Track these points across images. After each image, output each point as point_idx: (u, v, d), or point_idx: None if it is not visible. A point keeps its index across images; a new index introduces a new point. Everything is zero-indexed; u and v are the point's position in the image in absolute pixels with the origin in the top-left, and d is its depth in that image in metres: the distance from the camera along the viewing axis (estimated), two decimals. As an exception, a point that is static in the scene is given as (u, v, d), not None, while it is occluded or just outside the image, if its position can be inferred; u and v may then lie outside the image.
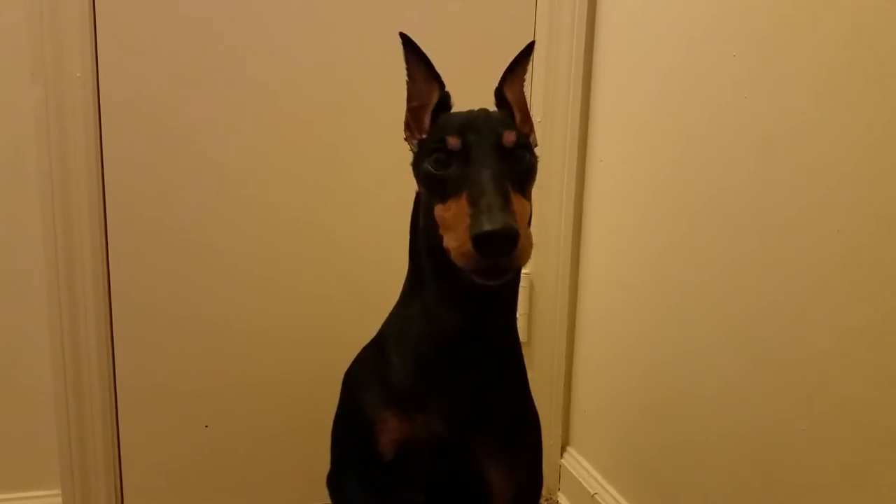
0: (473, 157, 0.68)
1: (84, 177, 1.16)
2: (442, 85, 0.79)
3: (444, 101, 0.79)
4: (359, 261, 1.33)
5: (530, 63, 0.83)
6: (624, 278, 1.22)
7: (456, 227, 0.65)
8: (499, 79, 0.80)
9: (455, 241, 0.64)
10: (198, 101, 1.21)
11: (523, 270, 1.41)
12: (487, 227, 0.59)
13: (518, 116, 0.80)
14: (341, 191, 1.31)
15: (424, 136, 0.78)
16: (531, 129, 0.82)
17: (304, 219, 1.30)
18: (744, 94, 0.90)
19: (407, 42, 0.77)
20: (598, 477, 1.31)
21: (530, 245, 0.65)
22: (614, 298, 1.26)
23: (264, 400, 1.34)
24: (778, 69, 0.84)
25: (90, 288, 1.20)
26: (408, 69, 0.78)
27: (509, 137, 0.70)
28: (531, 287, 1.41)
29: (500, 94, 0.80)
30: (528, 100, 0.84)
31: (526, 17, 1.35)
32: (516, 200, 0.66)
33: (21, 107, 1.13)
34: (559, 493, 1.43)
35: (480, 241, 0.59)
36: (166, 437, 1.30)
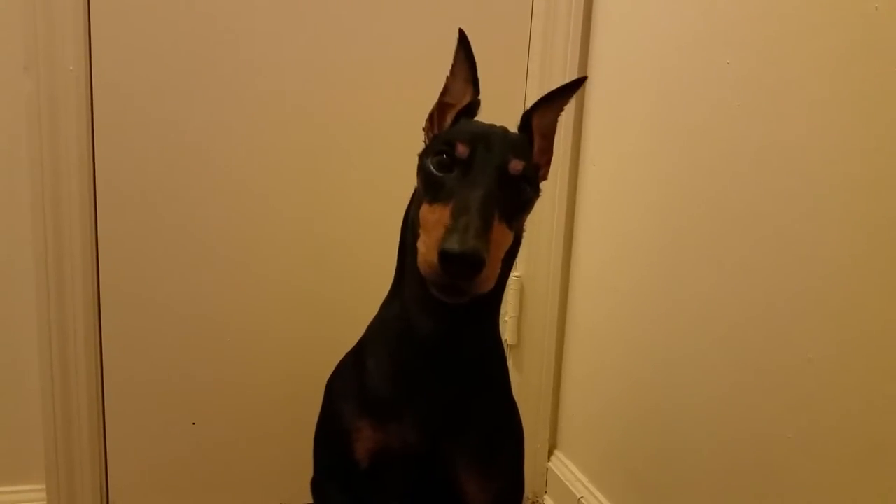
0: (474, 171, 0.68)
1: (76, 170, 1.15)
2: (477, 91, 0.79)
3: (473, 107, 0.79)
4: (351, 259, 1.33)
5: (572, 99, 0.82)
6: (615, 283, 1.22)
7: (430, 232, 0.65)
8: (525, 104, 0.81)
9: (424, 246, 0.65)
10: (191, 96, 1.21)
11: (514, 273, 1.41)
12: (456, 246, 0.59)
13: (538, 145, 0.79)
14: (334, 186, 1.30)
15: (440, 132, 0.78)
16: (546, 162, 0.82)
17: (297, 216, 1.30)
18: (737, 101, 0.90)
19: (462, 39, 0.77)
20: (585, 480, 1.31)
21: (495, 275, 0.64)
22: (605, 303, 1.26)
23: (252, 398, 1.33)
24: (771, 77, 0.84)
25: (79, 283, 1.19)
26: (454, 65, 0.79)
27: (516, 166, 0.70)
28: (521, 290, 1.41)
29: (526, 118, 0.78)
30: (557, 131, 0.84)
31: (521, 21, 1.35)
32: (498, 229, 0.66)
33: (13, 100, 1.12)
34: (546, 497, 1.43)
35: (445, 257, 0.59)
36: (153, 433, 1.29)
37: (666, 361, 1.06)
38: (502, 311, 1.02)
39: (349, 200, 1.31)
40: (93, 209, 1.19)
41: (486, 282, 0.62)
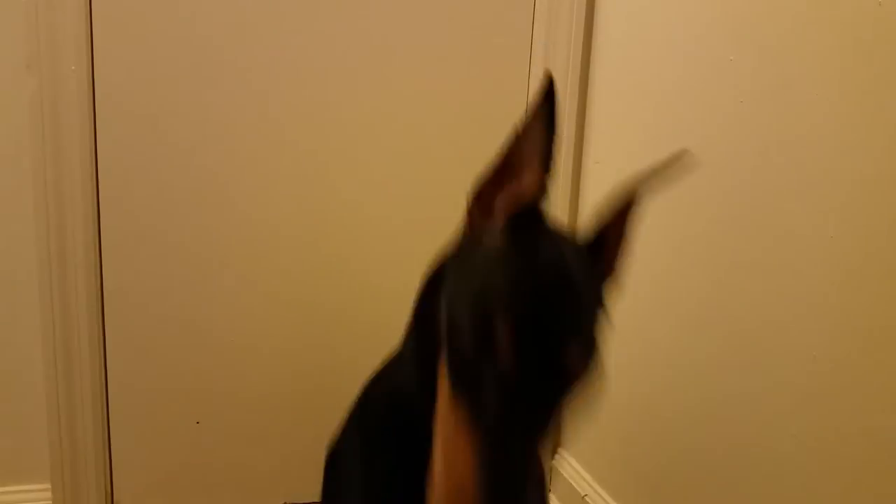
0: (526, 386, 0.45)
1: (78, 170, 1.15)
2: (548, 171, 0.52)
3: (536, 207, 0.53)
4: (354, 261, 1.32)
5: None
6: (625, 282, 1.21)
7: (450, 469, 0.45)
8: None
9: (443, 486, 0.44)
10: (193, 96, 1.21)
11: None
12: None
13: (612, 252, 0.59)
14: (340, 190, 1.30)
15: (485, 237, 0.53)
16: (619, 259, 0.61)
17: (299, 218, 1.29)
18: (741, 98, 0.90)
19: (549, 92, 0.52)
20: (590, 479, 1.31)
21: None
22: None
23: (256, 397, 1.33)
24: (776, 74, 0.84)
25: (82, 282, 1.19)
26: (527, 124, 0.53)
27: (578, 368, 0.47)
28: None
29: (600, 239, 0.58)
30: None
31: (524, 21, 1.35)
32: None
33: (16, 99, 1.12)
34: (550, 495, 1.43)
35: None
36: (157, 432, 1.29)
37: (670, 359, 1.06)
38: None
39: (353, 205, 1.31)
40: (96, 207, 1.19)
41: None
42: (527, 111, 0.52)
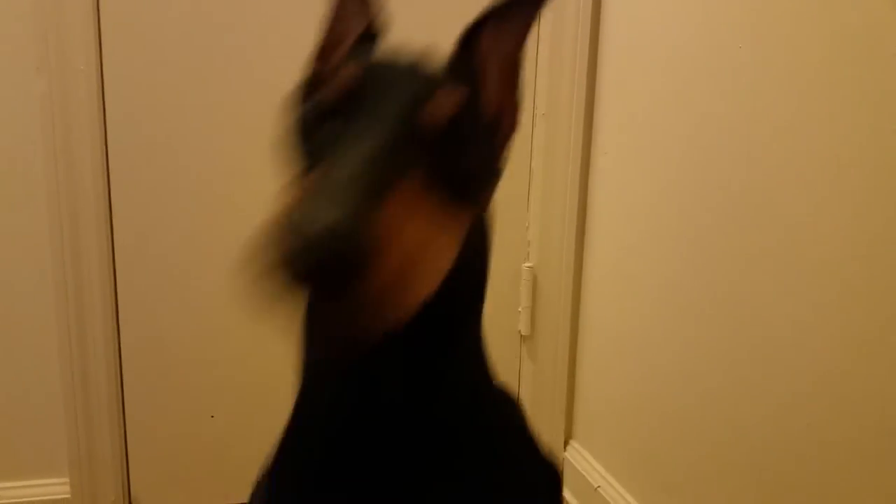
0: (367, 112, 0.39)
1: (89, 169, 1.17)
2: (380, 11, 0.50)
3: (372, 34, 0.49)
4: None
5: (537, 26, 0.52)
6: (628, 271, 1.21)
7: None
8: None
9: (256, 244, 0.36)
10: (201, 95, 1.22)
11: (526, 264, 1.40)
12: (297, 219, 0.32)
13: (493, 83, 0.47)
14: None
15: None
16: (511, 112, 0.49)
17: None
18: (750, 85, 0.89)
19: None
20: (602, 470, 1.30)
21: (414, 283, 0.36)
22: (618, 292, 1.25)
23: (270, 389, 1.34)
24: (784, 61, 0.83)
25: (96, 279, 1.21)
26: None
27: (445, 101, 0.40)
28: (534, 280, 1.40)
29: (468, 39, 0.47)
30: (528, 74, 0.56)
31: None
32: (417, 197, 0.37)
33: (26, 100, 1.14)
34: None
35: (281, 252, 0.32)
36: (172, 426, 1.31)
37: (681, 349, 1.06)
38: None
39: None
40: (107, 205, 1.20)
41: (389, 296, 0.33)
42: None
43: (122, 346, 1.26)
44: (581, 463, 1.36)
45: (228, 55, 1.22)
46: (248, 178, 1.26)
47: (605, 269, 1.30)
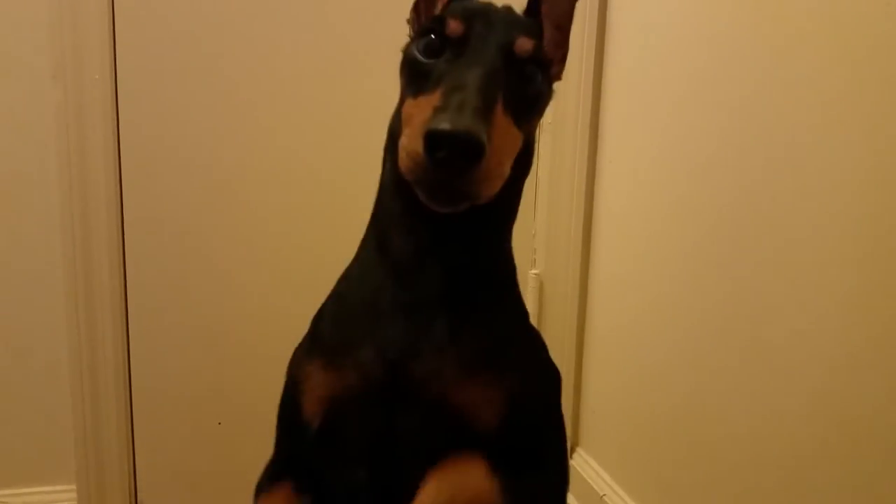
0: (471, 50, 0.55)
1: (102, 175, 1.18)
2: None
3: None
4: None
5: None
6: (633, 279, 1.22)
7: (414, 122, 0.52)
8: None
9: (406, 138, 0.51)
10: (214, 104, 1.24)
11: (532, 271, 1.42)
12: (444, 125, 0.46)
13: (550, 36, 0.64)
14: (363, 192, 1.32)
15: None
16: (561, 59, 0.68)
17: (321, 221, 1.31)
18: (756, 97, 0.90)
19: None
20: (607, 478, 1.30)
21: (500, 175, 0.52)
22: (624, 299, 1.26)
23: (277, 398, 1.35)
24: (791, 70, 0.84)
25: (107, 287, 1.22)
26: None
27: (524, 45, 0.56)
28: (541, 287, 1.41)
29: (534, 2, 0.63)
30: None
31: None
32: (503, 121, 0.52)
33: (42, 108, 1.16)
34: (568, 494, 1.42)
35: (432, 140, 0.46)
36: (180, 433, 1.31)
37: (687, 357, 1.06)
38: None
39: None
40: (119, 213, 1.22)
41: (489, 181, 0.50)
42: None
43: (130, 354, 1.27)
44: (587, 470, 1.36)
45: (241, 65, 1.24)
46: (263, 187, 1.28)
47: (611, 277, 1.31)
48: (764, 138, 0.88)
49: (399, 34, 0.65)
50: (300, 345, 0.71)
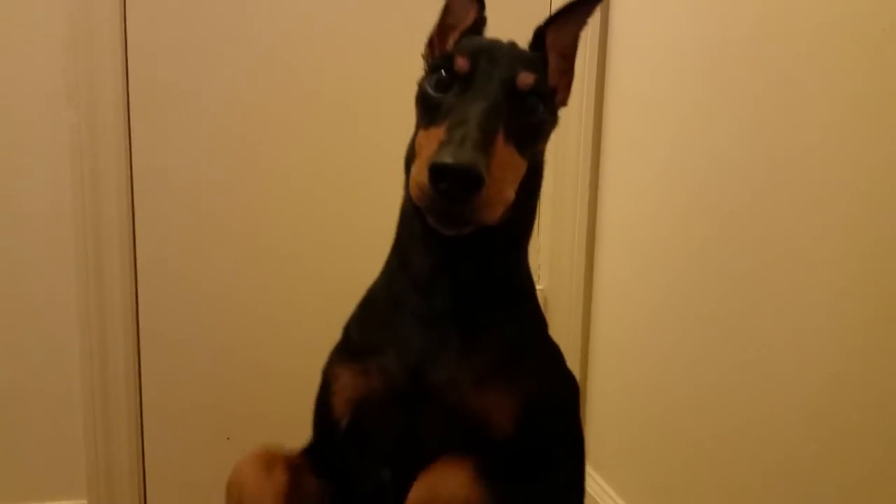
0: (476, 86, 0.60)
1: (115, 194, 1.21)
2: (482, 7, 0.70)
3: (478, 25, 0.69)
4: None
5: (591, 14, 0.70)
6: (638, 295, 1.22)
7: (422, 154, 0.57)
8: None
9: (416, 168, 0.56)
10: (224, 127, 1.26)
11: (537, 286, 1.42)
12: (447, 159, 0.51)
13: (555, 65, 0.68)
14: (372, 214, 1.33)
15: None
16: (566, 86, 0.71)
17: (333, 246, 1.34)
18: (756, 113, 0.91)
19: None
20: (613, 494, 1.30)
21: (501, 201, 0.56)
22: (628, 315, 1.27)
23: (286, 414, 1.36)
24: (790, 91, 0.85)
25: (118, 306, 1.24)
26: None
27: (525, 79, 0.61)
28: (545, 303, 1.42)
29: (539, 35, 0.68)
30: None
31: None
32: (504, 150, 0.57)
33: (58, 129, 1.18)
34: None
35: (436, 173, 0.51)
36: (189, 449, 1.33)
37: (692, 374, 1.06)
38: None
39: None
40: (131, 232, 1.24)
41: (489, 207, 0.54)
42: None
43: (141, 371, 1.29)
44: (593, 486, 1.36)
45: (256, 87, 1.26)
46: (274, 206, 1.30)
47: (615, 292, 1.32)
48: (763, 155, 0.89)
49: (409, 65, 0.68)
50: (334, 348, 0.75)
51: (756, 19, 0.91)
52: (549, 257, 1.42)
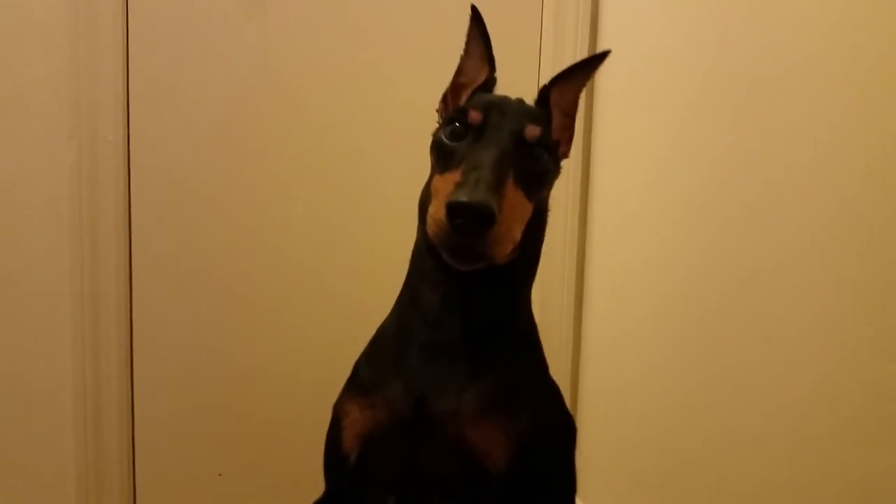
0: (487, 136, 0.66)
1: (112, 230, 1.22)
2: (493, 68, 0.77)
3: (489, 84, 0.76)
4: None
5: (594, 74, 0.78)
6: (628, 309, 1.23)
7: (439, 195, 0.63)
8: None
9: (433, 208, 0.62)
10: (223, 165, 1.29)
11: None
12: (463, 197, 0.57)
13: (558, 122, 0.75)
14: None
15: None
16: (568, 140, 0.78)
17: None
18: (741, 138, 0.94)
19: (476, 17, 0.75)
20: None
21: (510, 239, 0.62)
22: (619, 329, 1.27)
23: (277, 450, 1.36)
24: (774, 117, 0.88)
25: (113, 337, 1.24)
26: (467, 43, 0.77)
27: (532, 132, 0.67)
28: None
29: (544, 93, 0.75)
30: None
31: (531, 38, 1.40)
32: (514, 193, 0.63)
33: (58, 167, 1.20)
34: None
35: (453, 210, 0.57)
36: (181, 484, 1.32)
37: (685, 397, 1.06)
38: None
39: (392, 248, 1.37)
40: (127, 265, 1.25)
41: (500, 244, 0.60)
42: (468, 35, 0.76)
43: (134, 405, 1.28)
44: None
45: (255, 127, 1.29)
46: (269, 240, 1.32)
47: (605, 306, 1.33)
48: (753, 166, 0.92)
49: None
50: (344, 385, 0.78)
51: (747, 26, 0.94)
52: (538, 271, 1.43)
